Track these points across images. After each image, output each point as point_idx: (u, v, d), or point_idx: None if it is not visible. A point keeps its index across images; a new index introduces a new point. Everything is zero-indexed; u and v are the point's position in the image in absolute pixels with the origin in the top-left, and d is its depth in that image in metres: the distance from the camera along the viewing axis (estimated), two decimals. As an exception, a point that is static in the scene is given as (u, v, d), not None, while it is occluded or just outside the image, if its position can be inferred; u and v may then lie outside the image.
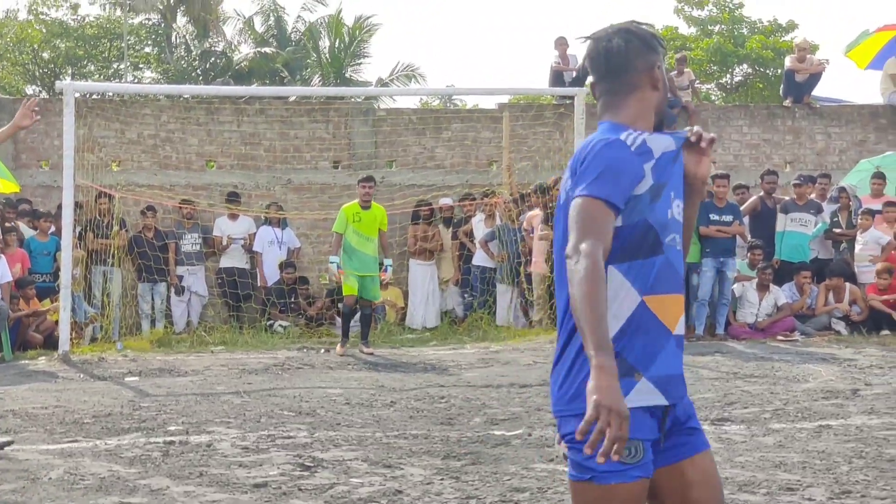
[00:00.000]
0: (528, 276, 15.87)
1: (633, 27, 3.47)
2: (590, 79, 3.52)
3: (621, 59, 3.42)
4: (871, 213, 15.82)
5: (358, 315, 13.94)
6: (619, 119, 3.42)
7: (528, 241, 15.91)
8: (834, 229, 16.06)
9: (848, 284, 15.35)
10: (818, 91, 19.93)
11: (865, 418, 8.85)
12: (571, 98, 15.19)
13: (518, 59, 76.52)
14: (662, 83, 3.48)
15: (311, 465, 7.24)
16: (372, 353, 13.44)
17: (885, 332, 14.78)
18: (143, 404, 9.89)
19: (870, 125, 19.12)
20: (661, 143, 3.36)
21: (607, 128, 3.39)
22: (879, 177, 16.71)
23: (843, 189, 16.50)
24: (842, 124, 19.18)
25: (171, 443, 8.01)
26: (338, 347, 13.68)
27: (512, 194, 16.78)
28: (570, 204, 3.24)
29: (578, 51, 19.16)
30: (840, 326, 15.11)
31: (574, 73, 18.66)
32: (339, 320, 14.97)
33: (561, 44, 19.10)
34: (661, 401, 3.29)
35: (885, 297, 15.10)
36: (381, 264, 13.81)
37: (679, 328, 3.35)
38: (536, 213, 15.81)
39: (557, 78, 18.79)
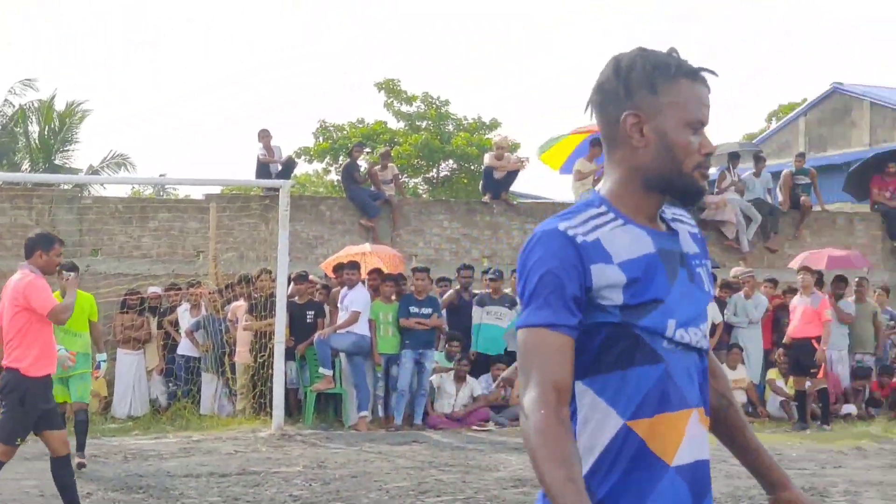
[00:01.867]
0: (233, 366, 15.92)
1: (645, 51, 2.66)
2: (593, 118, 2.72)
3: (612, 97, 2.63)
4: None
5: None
6: (603, 188, 2.67)
7: (233, 331, 15.98)
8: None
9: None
10: (518, 188, 20.83)
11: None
12: (277, 190, 15.41)
13: (228, 150, 76.58)
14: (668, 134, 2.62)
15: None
16: (85, 465, 11.23)
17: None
18: None
19: (563, 223, 20.13)
20: (634, 244, 2.58)
21: (572, 207, 2.64)
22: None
23: (537, 283, 17.29)
24: (537, 220, 20.08)
25: None
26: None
27: (217, 285, 16.81)
28: None
29: (283, 143, 19.52)
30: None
31: (279, 166, 18.89)
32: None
33: (265, 136, 19.27)
34: None
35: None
36: (93, 360, 11.65)
37: (683, 456, 2.59)
38: (241, 304, 15.91)
39: (263, 169, 18.96)
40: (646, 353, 2.53)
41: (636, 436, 2.52)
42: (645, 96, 2.60)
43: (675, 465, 2.56)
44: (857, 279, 17.91)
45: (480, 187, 21.64)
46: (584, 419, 2.54)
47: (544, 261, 2.49)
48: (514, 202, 20.82)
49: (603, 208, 2.61)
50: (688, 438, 2.58)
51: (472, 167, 38.80)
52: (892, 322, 18.44)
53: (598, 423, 2.53)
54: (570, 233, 2.52)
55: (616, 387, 2.52)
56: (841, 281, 17.48)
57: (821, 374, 15.52)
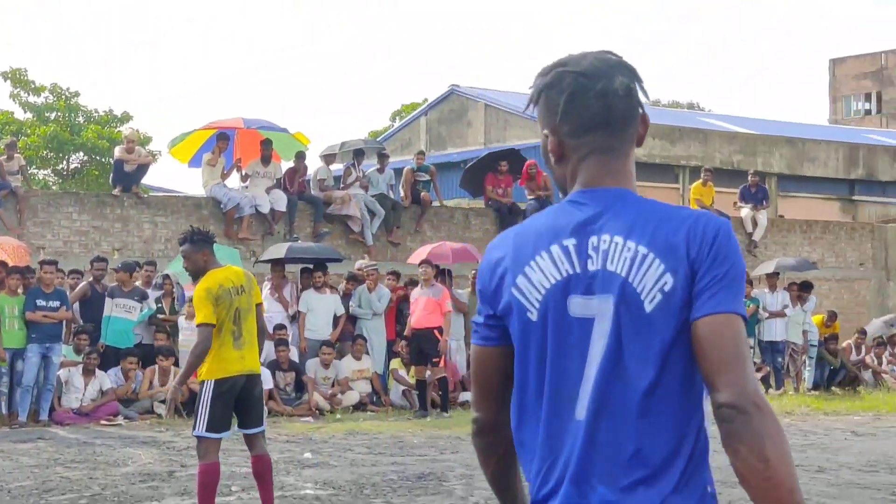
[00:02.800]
0: None
1: (625, 61, 2.63)
2: (547, 129, 2.59)
3: (630, 105, 2.58)
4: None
5: None
6: (633, 189, 2.59)
7: None
8: (159, 315, 16.72)
9: (174, 368, 15.92)
10: (151, 181, 20.63)
11: (179, 499, 9.42)
12: None
13: None
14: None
15: None
16: None
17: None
18: None
19: (193, 216, 20.11)
20: None
21: (656, 202, 2.53)
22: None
23: (167, 276, 17.28)
24: (168, 214, 20.01)
25: None
26: None
27: None
28: (678, 314, 2.40)
29: None
30: (162, 410, 15.71)
31: None
32: None
33: None
34: None
35: (204, 379, 15.95)
36: None
37: None
38: None
39: None
40: None
41: None
42: None
43: None
44: (473, 272, 18.93)
45: (111, 180, 21.27)
46: None
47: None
48: (146, 195, 20.59)
49: None
50: None
51: (104, 160, 37.88)
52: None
53: None
54: None
55: None
56: (448, 272, 18.43)
57: (441, 364, 16.39)
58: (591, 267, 2.45)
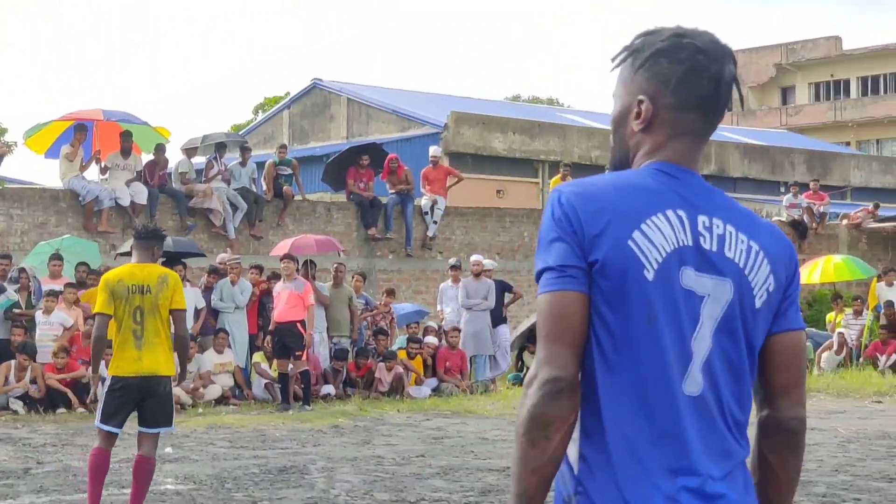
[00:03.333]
0: None
1: (732, 50, 2.56)
2: (645, 95, 2.50)
3: (730, 96, 2.55)
4: (55, 294, 16.39)
5: None
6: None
7: None
8: (14, 309, 16.37)
9: (31, 363, 15.71)
10: (6, 172, 20.20)
11: (35, 497, 9.30)
12: None
13: None
14: None
15: None
16: None
17: (62, 410, 15.38)
18: None
19: (51, 208, 19.78)
20: None
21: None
22: (58, 258, 17.42)
23: (23, 270, 16.94)
24: (24, 206, 19.62)
25: None
26: None
27: None
28: (769, 318, 2.50)
29: None
30: (18, 406, 15.42)
31: None
32: None
33: None
34: None
35: (62, 375, 15.73)
36: None
37: None
38: None
39: None
40: None
41: None
42: None
43: None
44: (335, 265, 19.01)
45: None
46: None
47: None
48: (1, 187, 20.16)
49: None
50: None
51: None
52: (367, 307, 19.71)
53: None
54: None
55: None
56: (312, 264, 18.50)
57: (304, 357, 16.43)
58: (705, 245, 2.41)
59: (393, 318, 19.47)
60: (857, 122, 57.15)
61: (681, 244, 2.39)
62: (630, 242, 2.34)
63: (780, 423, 2.50)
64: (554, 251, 2.38)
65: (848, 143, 54.94)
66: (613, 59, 2.55)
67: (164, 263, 17.33)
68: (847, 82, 58.55)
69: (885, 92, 57.97)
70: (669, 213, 2.40)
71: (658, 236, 2.37)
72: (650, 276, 2.35)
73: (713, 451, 2.36)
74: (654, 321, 2.35)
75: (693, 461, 2.33)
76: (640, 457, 2.32)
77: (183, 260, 17.57)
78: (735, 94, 2.53)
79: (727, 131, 43.49)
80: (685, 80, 2.45)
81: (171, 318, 8.26)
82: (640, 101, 2.48)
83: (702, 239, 2.40)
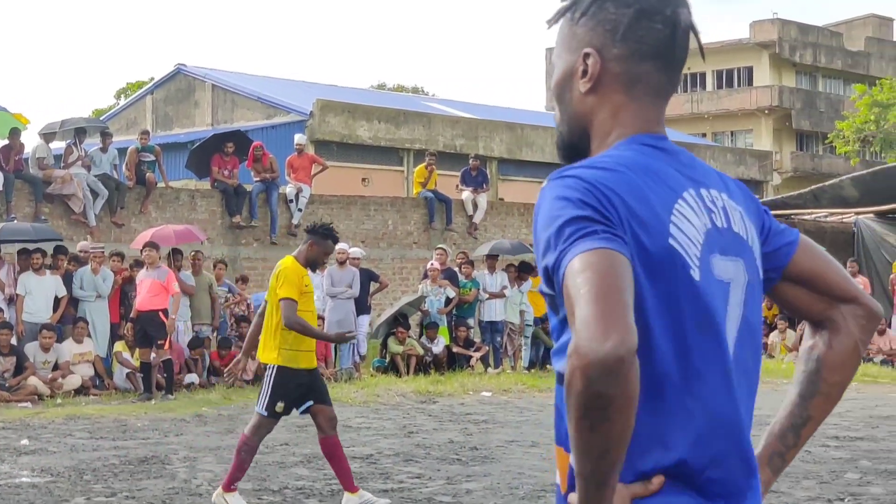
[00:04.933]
0: None
1: None
2: (591, 48, 2.16)
3: (688, 46, 2.21)
4: None
5: None
6: None
7: None
8: None
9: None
10: None
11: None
12: None
13: None
14: None
15: None
16: None
17: None
18: None
19: None
20: None
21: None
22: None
23: None
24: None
25: None
26: None
27: None
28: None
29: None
30: None
31: None
32: None
33: None
34: None
35: None
36: None
37: None
38: None
39: None
40: None
41: None
42: None
43: None
44: (192, 252, 18.85)
45: None
46: None
47: None
48: None
49: None
50: None
51: None
52: (230, 294, 19.59)
53: None
54: None
55: None
56: (178, 253, 18.38)
57: (166, 346, 16.25)
58: (718, 223, 2.12)
59: (250, 305, 19.38)
60: (712, 115, 58.63)
61: (705, 229, 2.08)
62: (671, 240, 2.02)
63: (871, 311, 2.28)
64: (583, 219, 1.94)
65: (704, 135, 56.35)
66: (550, 20, 2.21)
67: (21, 252, 17.20)
68: (703, 75, 59.96)
69: (739, 85, 59.56)
70: (687, 195, 2.09)
71: (689, 227, 2.05)
72: (696, 275, 2.04)
73: (746, 451, 2.11)
74: (706, 324, 2.04)
75: (745, 460, 2.10)
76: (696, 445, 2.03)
77: (41, 247, 17.23)
78: (694, 45, 2.22)
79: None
80: (635, 23, 2.11)
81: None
82: (586, 56, 2.13)
83: (714, 216, 2.12)
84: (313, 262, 8.58)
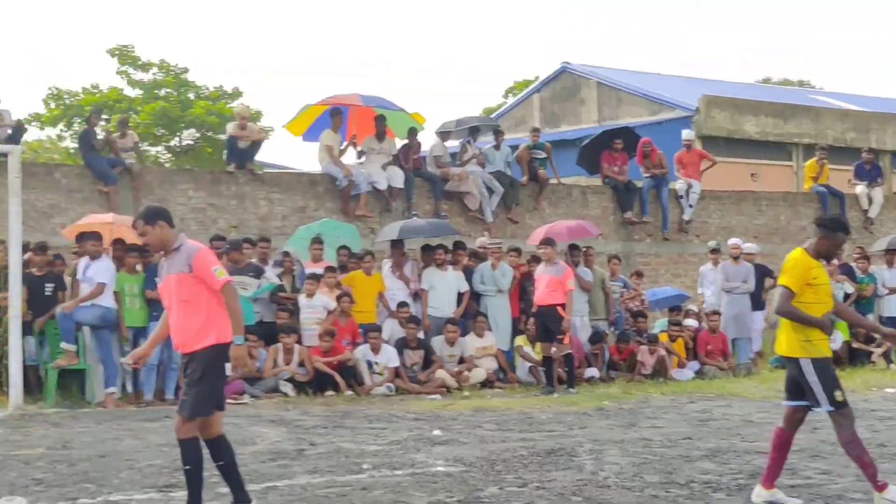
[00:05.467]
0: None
1: None
2: None
3: None
4: (316, 277, 16.56)
5: None
6: None
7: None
8: (279, 292, 16.57)
9: (297, 346, 15.95)
10: (265, 157, 20.60)
11: (310, 477, 9.27)
12: (5, 156, 14.61)
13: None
14: None
15: None
16: None
17: (330, 392, 15.53)
18: None
19: (309, 192, 20.07)
20: None
21: None
22: (319, 242, 17.63)
23: (287, 254, 17.19)
24: (283, 191, 19.95)
25: None
26: None
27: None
28: None
29: (12, 108, 18.60)
30: (287, 388, 15.64)
31: (8, 130, 17.92)
32: None
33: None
34: None
35: (328, 358, 15.88)
36: None
37: None
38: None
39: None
40: None
41: None
42: None
43: None
44: (585, 248, 18.68)
45: (225, 157, 21.30)
46: None
47: None
48: (260, 172, 20.62)
49: None
50: None
51: (215, 136, 38.13)
52: (625, 289, 19.35)
53: None
54: None
55: None
56: (575, 249, 18.26)
57: (566, 340, 16.15)
58: None
59: (644, 301, 19.42)
60: None
61: None
62: None
63: None
64: None
65: None
66: None
67: (424, 247, 17.58)
68: None
69: None
70: None
71: None
72: None
73: None
74: None
75: None
76: None
77: (443, 243, 17.63)
78: None
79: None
80: None
81: None
82: None
83: None
84: (826, 255, 8.28)
